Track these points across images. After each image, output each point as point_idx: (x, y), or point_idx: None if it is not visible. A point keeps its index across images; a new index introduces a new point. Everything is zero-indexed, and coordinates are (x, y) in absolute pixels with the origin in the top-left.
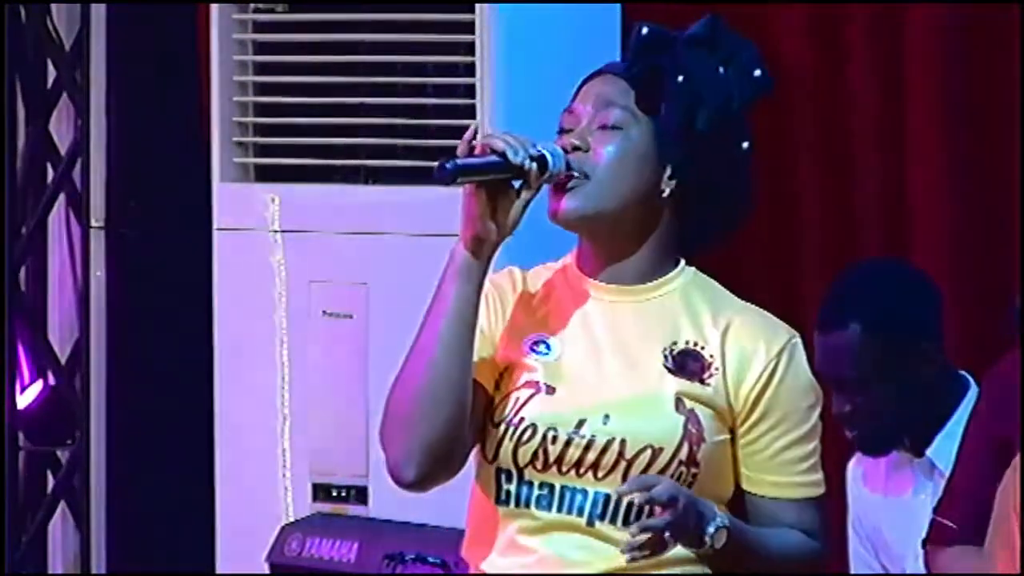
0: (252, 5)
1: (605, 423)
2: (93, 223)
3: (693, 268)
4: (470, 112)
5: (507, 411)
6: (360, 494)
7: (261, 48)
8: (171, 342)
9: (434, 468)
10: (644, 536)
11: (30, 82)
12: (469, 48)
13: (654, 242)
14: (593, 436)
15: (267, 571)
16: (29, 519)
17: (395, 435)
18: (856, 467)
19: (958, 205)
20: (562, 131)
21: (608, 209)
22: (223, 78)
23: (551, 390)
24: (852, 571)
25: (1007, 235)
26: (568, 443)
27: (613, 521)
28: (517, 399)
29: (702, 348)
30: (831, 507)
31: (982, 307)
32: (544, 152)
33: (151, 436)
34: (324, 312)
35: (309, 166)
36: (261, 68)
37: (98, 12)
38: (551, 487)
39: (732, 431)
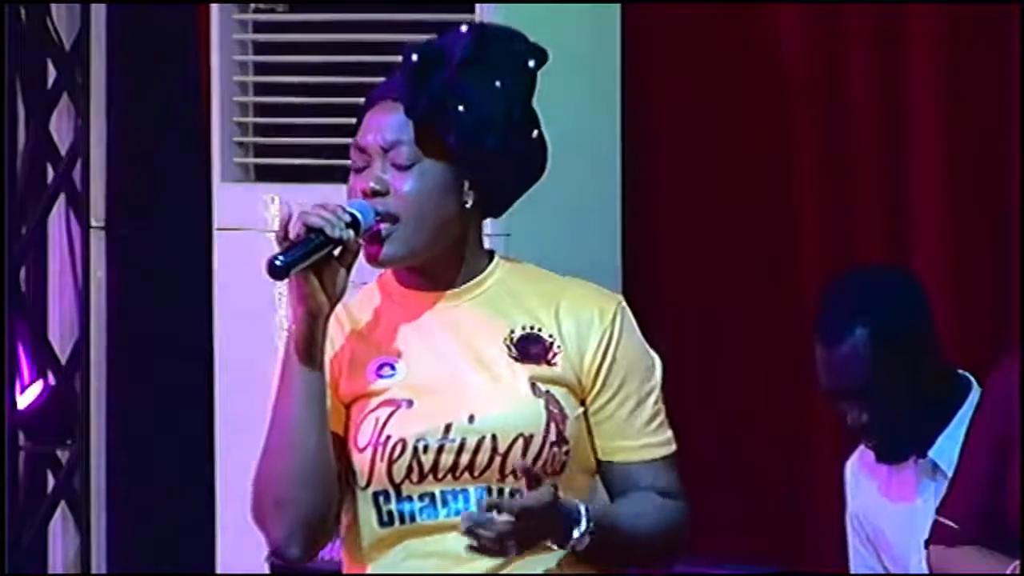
0: (252, 5)
1: (471, 423)
2: (93, 223)
3: (508, 257)
4: None
5: (370, 434)
6: None
7: (261, 48)
8: (171, 342)
9: (317, 539)
10: (487, 533)
11: (30, 82)
12: None
13: (467, 245)
14: (464, 438)
15: (267, 571)
16: (29, 519)
17: (271, 517)
18: (856, 464)
19: (958, 205)
20: (356, 170)
21: (422, 245)
22: (223, 78)
23: (409, 403)
24: (851, 567)
25: (1007, 235)
26: (440, 450)
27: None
28: (377, 420)
29: (539, 330)
30: (832, 506)
31: (982, 308)
32: (353, 212)
33: (151, 436)
34: None
35: (309, 166)
36: (261, 68)
37: (98, 12)
38: (432, 496)
39: (583, 403)
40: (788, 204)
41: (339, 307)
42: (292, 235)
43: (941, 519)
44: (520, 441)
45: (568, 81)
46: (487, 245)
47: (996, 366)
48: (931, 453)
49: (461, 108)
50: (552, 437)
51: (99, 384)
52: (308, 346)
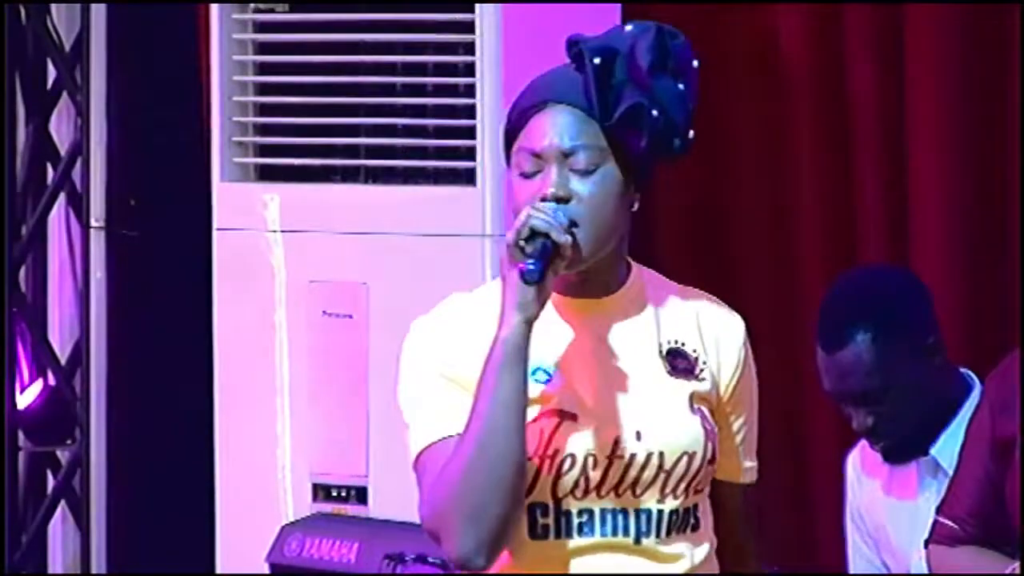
0: (252, 5)
1: (639, 439)
2: (93, 223)
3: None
4: (470, 112)
5: (535, 445)
6: (360, 494)
7: (261, 48)
8: (171, 342)
9: (502, 549)
10: None
11: (30, 82)
12: (469, 48)
13: (621, 251)
14: (633, 454)
15: (267, 571)
16: (29, 519)
17: (461, 527)
18: (857, 460)
19: (959, 205)
20: (525, 175)
21: (598, 248)
22: (223, 78)
23: (573, 416)
24: (850, 563)
25: (1008, 233)
26: (608, 466)
27: (658, 535)
28: (542, 431)
29: (683, 345)
30: (833, 501)
31: (983, 308)
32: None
33: (151, 436)
34: (324, 312)
35: (309, 166)
36: (261, 68)
37: (98, 12)
38: (590, 512)
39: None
40: (788, 204)
41: (494, 306)
42: (522, 239)
43: (941, 519)
44: (684, 459)
45: None
46: (487, 246)
47: (996, 366)
48: (933, 451)
49: (655, 113)
50: (708, 455)
51: (99, 384)
52: (519, 353)
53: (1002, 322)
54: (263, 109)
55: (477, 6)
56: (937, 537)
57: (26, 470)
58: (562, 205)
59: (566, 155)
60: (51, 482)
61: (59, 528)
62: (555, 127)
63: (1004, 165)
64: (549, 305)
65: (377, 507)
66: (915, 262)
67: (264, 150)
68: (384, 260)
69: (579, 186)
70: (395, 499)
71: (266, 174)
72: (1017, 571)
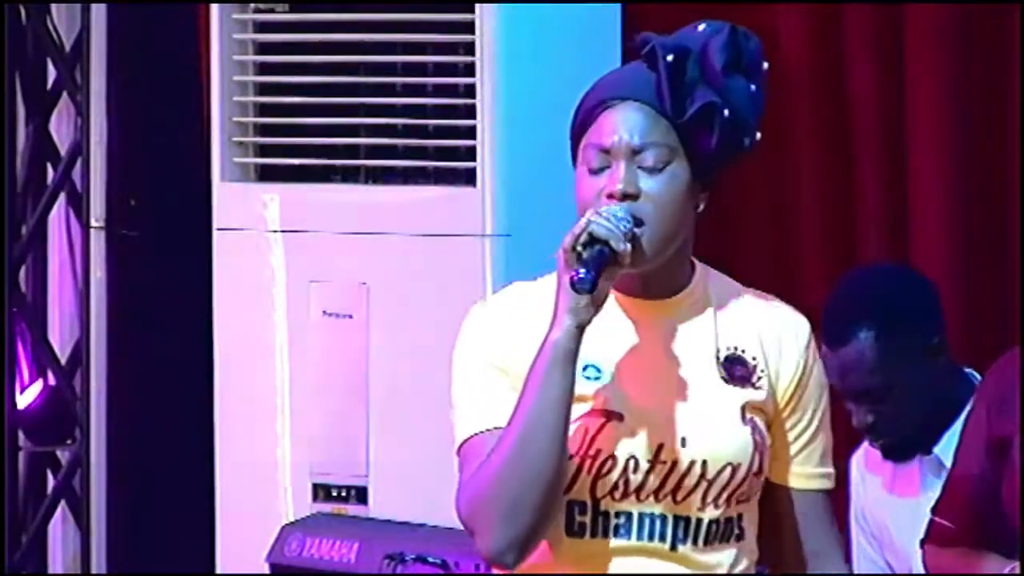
0: (252, 5)
1: (684, 446)
2: (93, 223)
3: (702, 264)
4: (470, 112)
5: (579, 443)
6: (360, 494)
7: (262, 48)
8: (171, 342)
9: (534, 547)
10: None
11: (30, 82)
12: (469, 48)
13: (685, 252)
14: (675, 461)
15: (267, 571)
16: (29, 519)
17: (498, 523)
18: (861, 460)
19: (959, 205)
20: (593, 171)
21: (663, 247)
22: (223, 78)
23: (620, 417)
24: (854, 563)
25: (1007, 235)
26: (650, 471)
27: (695, 543)
28: (587, 430)
29: (743, 352)
30: (836, 501)
31: (983, 308)
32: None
33: (151, 436)
34: (324, 312)
35: (309, 166)
36: (262, 68)
37: (98, 12)
38: (628, 515)
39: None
40: (788, 204)
41: (531, 294)
42: (580, 244)
43: (938, 520)
44: (728, 470)
45: (568, 81)
46: (487, 246)
47: (992, 365)
48: (936, 450)
49: (727, 112)
50: (755, 467)
51: (99, 384)
52: (569, 356)
53: (1002, 322)
54: (263, 109)
55: (477, 6)
56: (933, 537)
57: (26, 470)
58: (629, 203)
59: (635, 152)
60: (51, 482)
61: (59, 528)
62: (625, 123)
63: (1004, 165)
64: (611, 302)
65: (377, 507)
66: (915, 262)
67: (264, 150)
68: (384, 260)
69: (647, 184)
70: (395, 499)
71: (266, 174)
72: (1016, 571)
